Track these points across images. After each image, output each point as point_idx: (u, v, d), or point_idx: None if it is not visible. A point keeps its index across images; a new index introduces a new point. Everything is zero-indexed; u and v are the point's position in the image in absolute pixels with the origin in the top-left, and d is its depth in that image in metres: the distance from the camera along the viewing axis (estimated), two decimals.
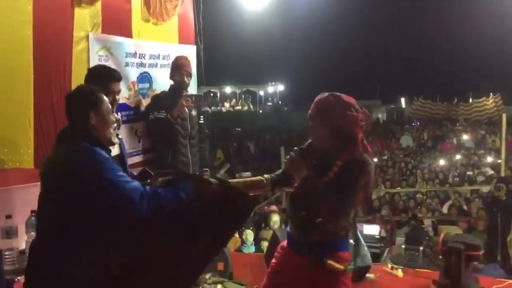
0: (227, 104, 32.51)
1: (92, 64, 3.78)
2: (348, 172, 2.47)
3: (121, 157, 3.38)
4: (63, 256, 2.20)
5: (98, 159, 2.25)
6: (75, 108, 2.40)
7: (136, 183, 2.29)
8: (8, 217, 3.03)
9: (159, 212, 2.26)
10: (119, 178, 2.24)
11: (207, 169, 2.59)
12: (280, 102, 37.06)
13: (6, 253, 2.91)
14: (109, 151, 2.44)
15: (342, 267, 2.52)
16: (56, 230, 2.23)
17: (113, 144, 2.41)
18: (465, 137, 19.05)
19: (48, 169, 2.34)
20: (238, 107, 32.58)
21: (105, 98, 2.46)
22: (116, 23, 4.22)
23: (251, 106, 33.43)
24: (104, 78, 3.16)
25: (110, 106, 2.49)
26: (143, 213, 2.22)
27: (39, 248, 2.29)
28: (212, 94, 35.10)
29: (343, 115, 2.49)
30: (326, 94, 2.60)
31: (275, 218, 7.04)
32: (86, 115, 2.36)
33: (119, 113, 3.86)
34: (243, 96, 34.84)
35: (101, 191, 2.20)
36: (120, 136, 3.45)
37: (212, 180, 2.51)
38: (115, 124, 3.24)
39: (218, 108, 32.57)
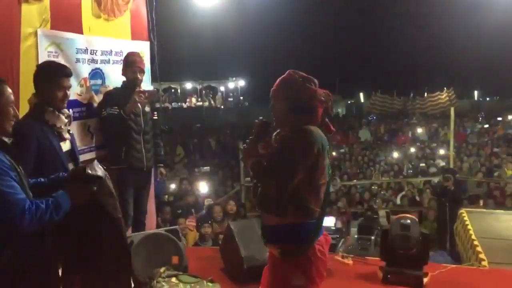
0: (193, 100, 32.30)
1: (41, 60, 3.74)
2: (283, 146, 2.46)
3: (72, 153, 3.39)
4: None
5: None
6: None
7: (21, 197, 2.21)
8: None
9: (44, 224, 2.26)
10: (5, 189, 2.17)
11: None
12: (241, 97, 37.13)
13: None
14: (5, 148, 2.33)
15: (277, 253, 2.53)
16: None
17: (10, 136, 2.35)
18: (419, 130, 19.66)
19: None
20: (199, 103, 32.45)
21: (5, 89, 2.36)
22: (66, 19, 4.17)
23: (212, 102, 33.36)
24: (53, 73, 3.16)
25: (11, 98, 2.38)
26: (23, 229, 2.19)
27: None
28: (173, 90, 34.82)
29: (303, 87, 2.52)
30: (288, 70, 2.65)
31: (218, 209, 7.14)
32: None
33: (70, 110, 3.84)
34: (203, 91, 34.72)
35: None
36: (71, 132, 3.45)
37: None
38: (66, 120, 3.24)
39: (179, 104, 32.34)
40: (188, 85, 35.78)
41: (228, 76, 37.20)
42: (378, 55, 38.25)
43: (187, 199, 8.95)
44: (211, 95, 34.79)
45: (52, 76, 3.12)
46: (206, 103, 32.54)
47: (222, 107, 32.96)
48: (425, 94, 27.46)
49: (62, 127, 3.16)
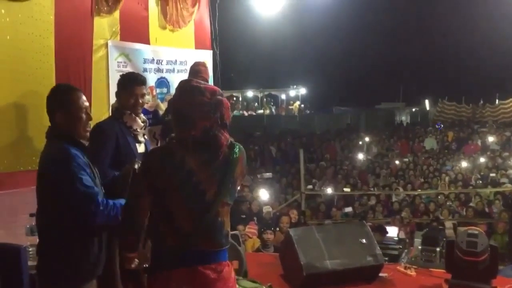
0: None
1: (111, 71, 3.96)
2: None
3: None
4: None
5: (68, 158, 2.46)
6: (47, 108, 2.62)
7: (96, 190, 2.52)
8: (32, 215, 3.20)
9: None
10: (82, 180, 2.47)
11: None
12: (302, 105, 37.07)
13: (30, 249, 3.08)
14: (83, 148, 2.62)
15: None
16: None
17: (86, 139, 2.65)
18: (490, 139, 18.73)
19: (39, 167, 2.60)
20: (260, 111, 32.70)
21: (78, 97, 2.63)
22: (134, 30, 4.40)
23: (273, 110, 33.51)
24: (128, 82, 3.38)
25: (84, 104, 2.65)
26: (95, 221, 2.47)
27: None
28: (234, 98, 35.35)
29: (185, 97, 2.36)
30: None
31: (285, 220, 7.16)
32: (53, 115, 2.58)
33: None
34: (265, 99, 34.97)
35: (67, 187, 2.44)
36: (145, 137, 3.63)
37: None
38: (142, 124, 3.44)
39: (240, 112, 32.77)
40: (250, 93, 36.17)
41: (289, 84, 37.26)
42: (444, 60, 36.98)
43: (247, 205, 9.03)
44: (272, 103, 34.97)
45: (126, 84, 3.35)
46: (268, 111, 32.73)
47: (283, 114, 33.01)
48: (497, 101, 26.20)
49: (138, 130, 3.37)
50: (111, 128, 3.25)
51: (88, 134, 2.66)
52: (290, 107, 34.86)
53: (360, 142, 20.36)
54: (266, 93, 36.16)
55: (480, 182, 12.94)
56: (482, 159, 15.42)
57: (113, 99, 3.71)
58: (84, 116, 2.61)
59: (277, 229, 6.80)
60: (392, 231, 7.03)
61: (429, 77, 36.58)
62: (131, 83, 3.36)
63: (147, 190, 2.23)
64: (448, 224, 9.25)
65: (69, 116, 2.56)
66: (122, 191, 2.65)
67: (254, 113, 32.18)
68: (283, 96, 37.49)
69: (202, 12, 5.44)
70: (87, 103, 2.65)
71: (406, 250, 5.97)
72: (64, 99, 2.59)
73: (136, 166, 2.70)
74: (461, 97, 26.81)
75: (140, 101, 3.40)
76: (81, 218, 2.46)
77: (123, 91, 3.36)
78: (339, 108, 33.98)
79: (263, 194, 10.19)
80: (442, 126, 24.62)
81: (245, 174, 2.49)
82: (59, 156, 2.48)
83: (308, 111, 35.42)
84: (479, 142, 18.60)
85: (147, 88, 4.63)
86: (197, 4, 5.24)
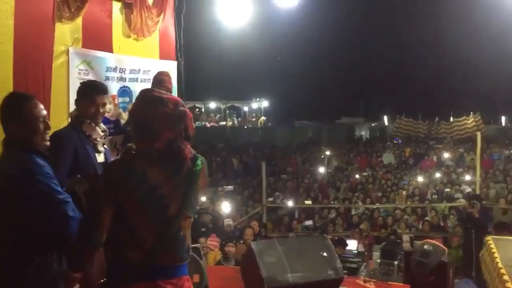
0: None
1: (71, 78, 3.87)
2: None
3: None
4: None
5: (33, 166, 2.41)
6: (0, 118, 2.53)
7: (69, 200, 2.47)
8: None
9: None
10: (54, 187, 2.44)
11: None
12: (264, 118, 37.30)
13: None
14: (45, 158, 2.53)
15: None
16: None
17: (45, 150, 2.55)
18: (445, 155, 19.35)
19: None
20: (223, 122, 32.70)
21: (34, 106, 2.53)
22: (97, 38, 4.32)
23: (235, 122, 33.57)
24: (88, 90, 3.30)
25: (41, 113, 2.55)
26: (72, 232, 2.36)
27: None
28: (197, 110, 35.20)
29: (147, 107, 2.30)
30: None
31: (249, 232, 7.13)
32: (6, 125, 2.49)
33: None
34: (227, 111, 34.98)
35: (37, 197, 2.38)
36: (105, 146, 3.54)
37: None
38: (102, 133, 3.37)
39: (203, 123, 32.63)
40: (212, 105, 36.13)
41: (252, 96, 37.44)
42: (403, 78, 38.04)
43: (206, 217, 8.95)
44: (234, 115, 35.03)
45: (86, 92, 3.27)
46: (230, 123, 32.74)
47: (245, 127, 33.12)
48: (451, 119, 27.12)
49: (98, 139, 3.30)
50: (69, 137, 3.17)
51: (47, 143, 2.57)
52: (253, 119, 35.02)
53: (322, 156, 20.62)
54: (229, 104, 36.19)
55: (436, 197, 13.32)
56: (437, 174, 15.89)
57: (73, 107, 3.61)
58: (41, 125, 2.51)
59: (241, 241, 6.75)
60: (352, 244, 7.12)
61: (388, 93, 37.51)
62: (92, 92, 3.28)
63: (109, 203, 2.16)
64: (405, 237, 9.45)
65: (24, 127, 2.47)
66: None
67: (216, 124, 32.13)
68: (246, 108, 37.63)
69: (167, 22, 5.41)
70: (44, 112, 2.55)
71: (365, 263, 6.05)
72: (18, 109, 2.48)
73: (77, 187, 2.68)
74: (418, 114, 27.62)
75: (101, 110, 3.33)
76: (58, 226, 2.38)
77: (83, 100, 3.28)
78: (301, 121, 34.41)
79: (225, 207, 10.15)
80: (400, 141, 25.26)
81: (206, 186, 2.46)
82: (26, 165, 2.39)
83: (270, 124, 35.67)
84: (434, 158, 19.18)
85: (109, 97, 4.55)
86: (162, 13, 5.20)
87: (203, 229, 7.60)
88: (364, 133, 34.63)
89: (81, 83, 3.54)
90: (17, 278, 2.37)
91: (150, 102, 2.24)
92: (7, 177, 2.40)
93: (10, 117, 2.48)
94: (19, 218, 2.37)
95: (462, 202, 11.75)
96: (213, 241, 6.97)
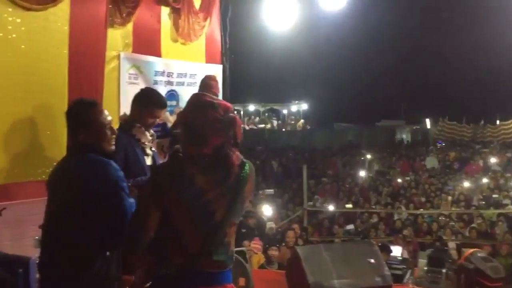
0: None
1: (122, 82, 3.96)
2: None
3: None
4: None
5: (112, 171, 2.51)
6: (68, 125, 2.60)
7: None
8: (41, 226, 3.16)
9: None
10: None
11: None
12: (303, 120, 37.14)
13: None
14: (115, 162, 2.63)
15: None
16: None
17: (112, 156, 2.60)
18: (492, 159, 18.70)
19: (57, 178, 2.55)
20: (261, 125, 32.73)
21: (100, 113, 2.59)
22: (146, 43, 4.41)
23: (274, 124, 33.55)
24: (151, 101, 3.38)
25: (107, 120, 2.61)
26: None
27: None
28: (235, 112, 35.35)
29: (198, 112, 2.32)
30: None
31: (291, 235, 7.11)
32: (75, 133, 2.55)
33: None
34: (266, 114, 35.01)
35: (110, 201, 2.45)
36: (153, 149, 3.61)
37: None
38: (150, 138, 3.46)
39: (242, 126, 32.69)
40: (251, 107, 36.25)
41: (291, 99, 37.35)
42: (446, 80, 37.09)
43: (250, 220, 8.95)
44: (274, 118, 35.03)
45: (148, 103, 3.34)
46: (269, 126, 32.75)
47: (283, 130, 33.02)
48: (497, 122, 26.24)
49: (146, 143, 3.37)
50: (120, 140, 3.20)
51: (113, 148, 2.64)
52: (292, 122, 34.91)
53: (362, 159, 20.34)
54: (268, 107, 36.22)
55: (483, 203, 12.88)
56: (484, 180, 15.38)
57: (123, 110, 3.70)
58: (108, 132, 2.59)
59: (283, 244, 6.74)
60: (396, 250, 6.98)
61: (431, 96, 36.64)
62: (154, 105, 3.36)
63: (155, 207, 2.16)
64: (452, 244, 9.22)
65: (93, 134, 2.53)
66: None
67: (255, 127, 32.20)
68: (285, 111, 37.57)
69: (213, 26, 5.47)
70: (110, 118, 2.62)
71: (410, 270, 5.92)
72: (86, 117, 2.55)
73: None
74: (462, 117, 26.85)
75: (156, 122, 3.42)
76: (121, 230, 2.38)
77: (143, 108, 3.34)
78: (340, 124, 34.07)
79: (266, 210, 10.13)
80: (444, 144, 24.63)
81: (253, 191, 2.45)
82: (105, 170, 2.48)
83: (309, 127, 35.48)
84: (480, 163, 18.57)
85: None
86: (209, 18, 5.26)
87: (244, 230, 7.60)
88: (405, 136, 33.91)
89: (143, 89, 3.61)
90: (78, 280, 2.42)
91: (201, 106, 2.24)
92: (81, 180, 2.45)
93: (79, 124, 2.54)
94: (87, 221, 2.41)
95: (511, 208, 11.35)
96: (256, 244, 6.97)
